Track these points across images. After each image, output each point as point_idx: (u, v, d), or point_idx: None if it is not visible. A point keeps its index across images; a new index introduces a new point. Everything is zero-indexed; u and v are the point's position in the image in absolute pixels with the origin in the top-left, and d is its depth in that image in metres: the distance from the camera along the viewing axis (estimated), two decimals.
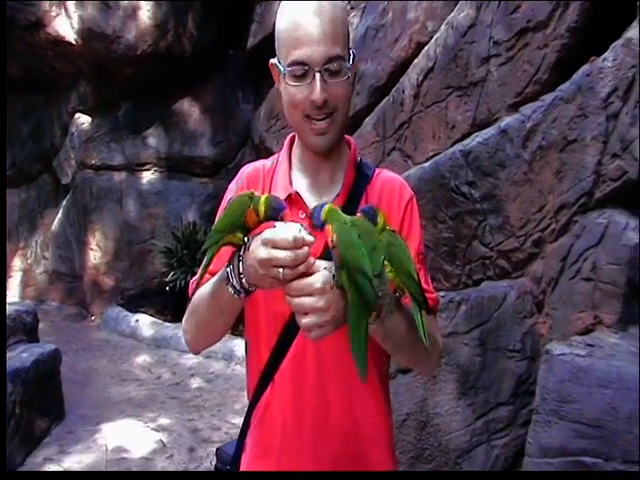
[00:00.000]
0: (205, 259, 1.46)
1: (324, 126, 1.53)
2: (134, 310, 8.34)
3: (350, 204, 1.54)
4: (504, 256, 3.43)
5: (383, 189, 1.65)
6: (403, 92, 4.29)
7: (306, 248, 1.26)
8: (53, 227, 9.58)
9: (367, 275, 1.27)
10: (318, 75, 1.46)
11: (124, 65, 8.10)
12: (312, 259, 1.28)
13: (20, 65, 8.58)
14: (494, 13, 3.57)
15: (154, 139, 8.70)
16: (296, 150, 1.68)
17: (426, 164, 3.88)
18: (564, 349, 2.81)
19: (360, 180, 1.64)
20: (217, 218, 1.47)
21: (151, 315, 8.21)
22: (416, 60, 4.24)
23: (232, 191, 1.68)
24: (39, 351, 5.19)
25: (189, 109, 8.61)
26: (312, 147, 1.59)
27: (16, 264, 10.11)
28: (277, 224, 1.31)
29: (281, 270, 1.26)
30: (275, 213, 1.34)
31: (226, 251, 1.43)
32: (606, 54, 2.94)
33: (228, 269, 1.38)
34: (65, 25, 8.06)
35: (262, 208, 1.34)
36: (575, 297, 3.04)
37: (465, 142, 3.63)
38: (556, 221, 3.15)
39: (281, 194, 1.56)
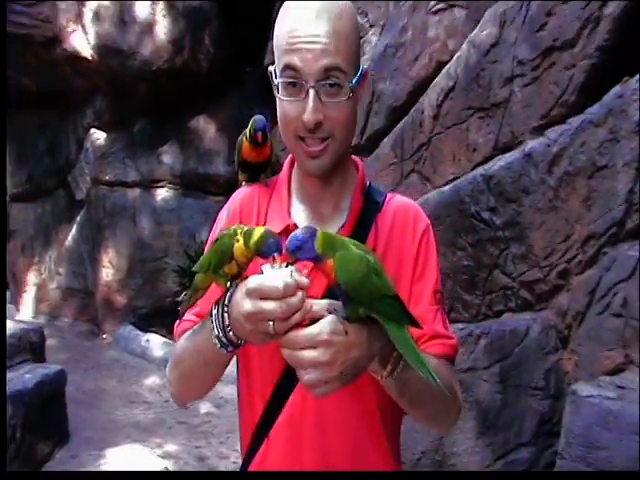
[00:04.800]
0: (187, 297, 1.30)
1: (317, 149, 1.33)
2: (145, 329, 8.23)
3: (357, 236, 1.33)
4: (527, 287, 3.24)
5: (395, 218, 1.45)
6: (422, 112, 4.13)
7: (300, 294, 1.07)
8: (67, 243, 9.53)
9: (390, 296, 1.13)
10: (312, 92, 1.27)
11: (139, 81, 8.06)
12: (309, 304, 1.10)
13: (36, 80, 8.56)
14: (518, 31, 3.41)
15: (169, 156, 8.63)
16: (295, 174, 1.49)
17: (445, 188, 3.71)
18: (592, 390, 2.61)
19: (369, 208, 1.44)
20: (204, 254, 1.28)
21: (162, 335, 8.08)
22: (436, 79, 4.09)
23: (222, 220, 1.50)
24: (44, 372, 5.08)
25: (205, 126, 8.53)
26: (306, 171, 1.40)
27: (30, 279, 10.06)
28: (264, 269, 1.12)
29: (271, 323, 1.07)
30: (268, 250, 1.14)
31: (217, 290, 1.26)
32: None
33: (212, 320, 1.19)
34: (81, 41, 8.05)
35: (254, 239, 1.14)
36: (604, 333, 2.84)
37: (487, 166, 3.46)
38: (583, 252, 2.96)
39: (277, 226, 1.37)
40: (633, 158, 2.73)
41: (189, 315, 1.43)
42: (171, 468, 4.89)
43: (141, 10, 7.98)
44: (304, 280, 1.09)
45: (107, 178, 8.79)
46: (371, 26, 5.01)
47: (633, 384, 2.61)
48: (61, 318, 9.58)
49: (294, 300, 1.07)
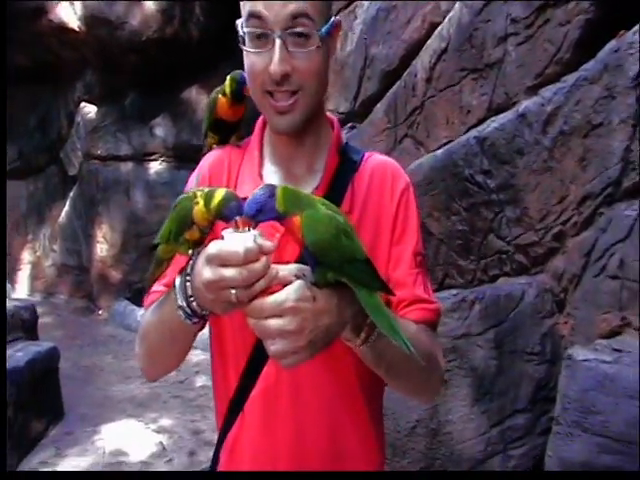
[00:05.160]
0: (150, 271, 1.22)
1: (286, 104, 1.26)
2: (141, 304, 8.14)
3: (332, 197, 1.25)
4: (522, 250, 3.16)
5: (373, 177, 1.37)
6: (415, 76, 4.02)
7: (264, 259, 1.00)
8: (60, 219, 9.44)
9: (361, 260, 1.05)
10: (278, 41, 1.19)
11: (129, 52, 7.92)
12: (274, 270, 1.02)
13: (25, 54, 8.43)
14: None
15: (161, 128, 8.51)
16: (267, 135, 1.42)
17: (439, 152, 3.62)
18: (588, 354, 2.55)
19: (345, 167, 1.36)
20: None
21: None
22: (428, 42, 3.97)
23: (192, 186, 1.42)
24: (36, 350, 5.02)
25: (197, 97, 8.40)
26: (275, 128, 1.33)
27: (25, 257, 10.00)
28: (224, 233, 1.04)
29: (233, 292, 1.00)
30: (230, 213, 1.06)
31: (186, 258, 1.18)
32: (636, 27, 2.65)
33: (176, 291, 1.13)
34: (68, 11, 7.90)
35: (215, 201, 1.06)
36: (600, 296, 2.77)
37: (480, 128, 3.36)
38: (579, 213, 2.88)
39: (248, 188, 1.28)
40: (629, 115, 2.64)
41: (158, 286, 1.36)
42: (166, 442, 4.86)
43: None
44: (268, 244, 1.02)
45: (99, 152, 8.68)
46: None
47: (630, 347, 2.55)
48: (57, 295, 9.54)
49: (257, 266, 0.99)
